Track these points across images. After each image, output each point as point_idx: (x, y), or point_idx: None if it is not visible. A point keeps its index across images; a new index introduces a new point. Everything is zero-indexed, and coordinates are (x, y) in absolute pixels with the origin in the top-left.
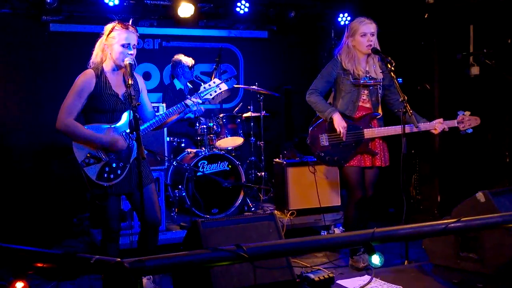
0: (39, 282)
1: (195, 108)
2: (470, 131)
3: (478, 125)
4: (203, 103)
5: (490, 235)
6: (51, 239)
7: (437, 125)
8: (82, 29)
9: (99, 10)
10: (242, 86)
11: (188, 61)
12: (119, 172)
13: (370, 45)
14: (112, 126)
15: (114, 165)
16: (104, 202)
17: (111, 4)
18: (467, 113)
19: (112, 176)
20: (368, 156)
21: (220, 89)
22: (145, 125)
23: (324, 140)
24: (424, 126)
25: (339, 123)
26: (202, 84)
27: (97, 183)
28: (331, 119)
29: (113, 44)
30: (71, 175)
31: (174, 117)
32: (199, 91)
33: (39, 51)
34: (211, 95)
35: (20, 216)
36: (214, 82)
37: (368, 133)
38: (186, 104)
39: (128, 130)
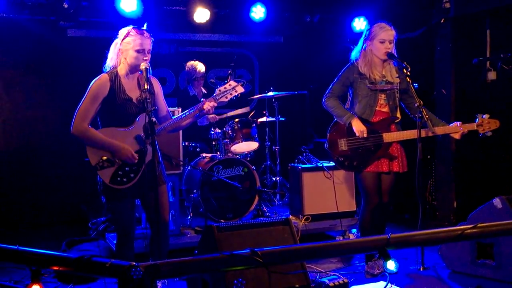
0: (55, 285)
1: (208, 108)
2: (489, 133)
3: (496, 130)
4: (217, 107)
5: (507, 242)
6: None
7: (458, 130)
8: (99, 34)
9: (116, 15)
10: (257, 96)
11: (196, 68)
12: (132, 175)
13: (387, 52)
14: (127, 129)
15: (127, 168)
16: (116, 205)
17: (127, 10)
18: (486, 115)
19: (125, 179)
20: (385, 161)
21: (236, 91)
22: (160, 127)
23: (343, 144)
24: (443, 129)
25: (359, 127)
26: (218, 87)
27: (111, 187)
28: (350, 124)
29: (128, 50)
30: (87, 180)
31: (189, 120)
32: (214, 94)
33: (57, 56)
34: (226, 98)
35: (36, 220)
36: (230, 85)
37: (387, 137)
38: (200, 108)
39: (142, 134)
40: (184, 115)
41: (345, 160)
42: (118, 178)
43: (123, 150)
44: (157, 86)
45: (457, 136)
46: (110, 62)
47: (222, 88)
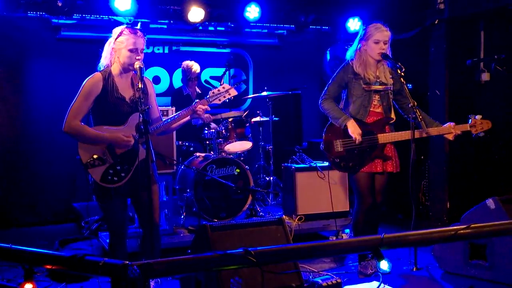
0: (48, 284)
1: (201, 111)
2: (481, 134)
3: (489, 131)
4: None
5: (500, 242)
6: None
7: (451, 130)
8: (93, 34)
9: (111, 14)
10: (251, 96)
11: (192, 68)
12: (123, 174)
13: (381, 53)
14: (119, 128)
15: (118, 167)
16: (107, 204)
17: (122, 9)
18: (479, 116)
19: (116, 178)
20: (379, 161)
21: (229, 94)
22: (152, 128)
23: (338, 146)
24: (437, 130)
25: (354, 130)
26: (211, 89)
27: (100, 185)
28: (346, 126)
29: (121, 49)
30: (80, 178)
31: (181, 122)
32: (208, 96)
33: (50, 55)
34: (219, 100)
35: (29, 219)
36: (223, 88)
37: (382, 137)
38: (193, 109)
39: (134, 133)
40: (176, 117)
41: (341, 161)
42: (109, 177)
43: (118, 138)
44: (151, 87)
45: (450, 137)
46: (104, 60)
47: (215, 91)
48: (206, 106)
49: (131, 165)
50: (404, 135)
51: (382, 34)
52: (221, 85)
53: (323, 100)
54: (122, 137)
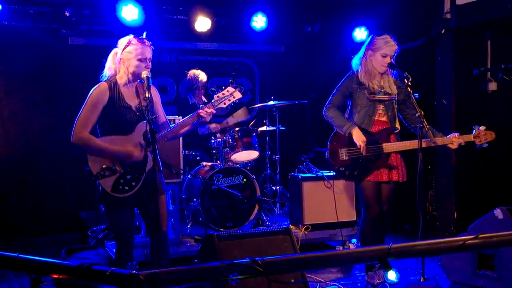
0: None
1: (206, 115)
2: (485, 145)
3: (496, 141)
4: (218, 116)
5: (508, 253)
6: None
7: (454, 140)
8: (100, 42)
9: (117, 24)
10: (258, 105)
11: (198, 77)
12: (133, 184)
13: (388, 63)
14: (127, 137)
15: (128, 177)
16: (117, 213)
17: (128, 18)
18: (483, 127)
19: (127, 188)
20: (385, 170)
21: (234, 97)
22: (159, 135)
23: (343, 154)
24: (441, 140)
25: (359, 137)
26: (216, 93)
27: (112, 195)
28: (350, 134)
29: (130, 59)
30: (87, 188)
31: (188, 127)
32: (213, 101)
33: (58, 63)
34: (224, 104)
35: (36, 227)
36: (228, 91)
37: (387, 147)
38: (199, 114)
39: (142, 142)
40: (182, 122)
41: (346, 169)
42: (120, 187)
43: (127, 153)
44: (156, 95)
45: (453, 146)
46: (108, 71)
47: (220, 94)
48: (211, 109)
49: (141, 173)
50: (409, 144)
51: (390, 48)
52: (225, 88)
53: (327, 108)
54: (133, 152)
